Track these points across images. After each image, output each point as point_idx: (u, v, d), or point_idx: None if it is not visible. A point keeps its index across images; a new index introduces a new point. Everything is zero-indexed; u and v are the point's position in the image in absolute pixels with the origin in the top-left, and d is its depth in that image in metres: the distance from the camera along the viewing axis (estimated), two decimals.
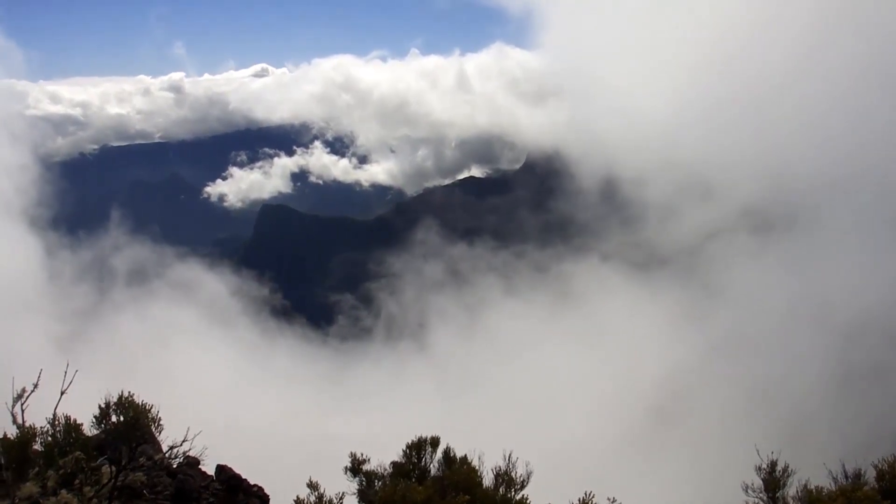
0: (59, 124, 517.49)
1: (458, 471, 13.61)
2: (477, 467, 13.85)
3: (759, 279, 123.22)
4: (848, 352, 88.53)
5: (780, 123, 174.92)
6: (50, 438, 10.80)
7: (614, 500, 12.94)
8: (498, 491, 13.51)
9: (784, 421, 79.55)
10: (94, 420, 11.04)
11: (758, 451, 12.57)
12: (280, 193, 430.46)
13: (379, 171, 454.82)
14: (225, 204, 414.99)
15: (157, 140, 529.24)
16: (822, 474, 12.26)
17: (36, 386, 11.01)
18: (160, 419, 11.22)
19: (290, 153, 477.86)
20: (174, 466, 12.97)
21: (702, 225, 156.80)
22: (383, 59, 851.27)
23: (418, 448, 14.48)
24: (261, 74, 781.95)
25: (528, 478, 13.51)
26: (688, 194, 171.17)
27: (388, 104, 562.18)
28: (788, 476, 12.41)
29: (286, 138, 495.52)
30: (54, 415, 10.94)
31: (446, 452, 14.36)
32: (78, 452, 10.70)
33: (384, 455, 14.51)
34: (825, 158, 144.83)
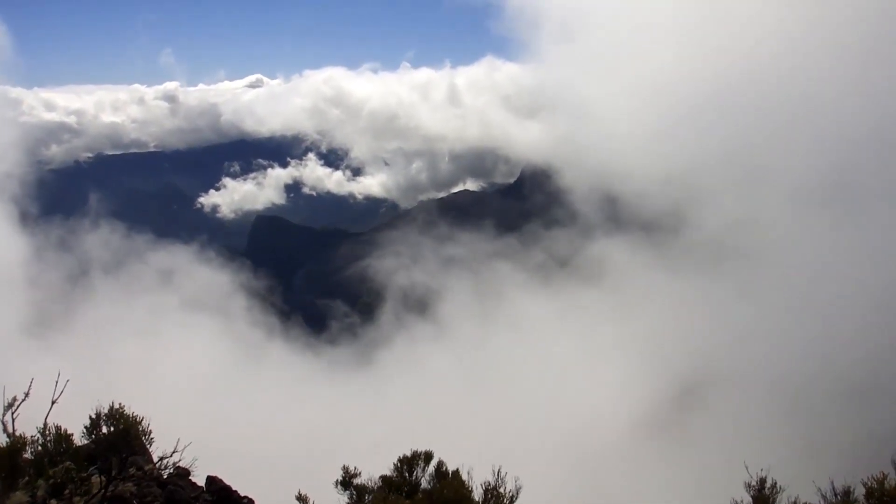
0: (54, 132, 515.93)
1: (448, 485, 13.60)
2: (467, 482, 13.84)
3: (795, 262, 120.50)
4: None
5: (798, 111, 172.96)
6: (40, 448, 10.78)
7: None
8: None
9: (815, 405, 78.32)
10: (84, 430, 11.04)
11: (747, 467, 12.59)
12: (274, 205, 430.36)
13: (373, 184, 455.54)
14: (218, 215, 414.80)
15: (151, 149, 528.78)
16: (812, 491, 12.26)
17: (27, 395, 11.00)
18: (151, 431, 11.22)
19: (284, 165, 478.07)
20: (164, 477, 12.94)
21: (722, 216, 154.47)
22: (374, 72, 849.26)
23: (410, 462, 14.47)
24: (255, 85, 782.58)
25: (518, 493, 13.52)
26: (701, 191, 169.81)
27: (381, 117, 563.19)
28: (777, 493, 12.43)
29: (280, 150, 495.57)
30: (45, 424, 10.93)
31: (438, 467, 14.35)
32: (68, 462, 10.69)
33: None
34: (859, 134, 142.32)
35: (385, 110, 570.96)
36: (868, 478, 11.50)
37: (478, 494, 13.57)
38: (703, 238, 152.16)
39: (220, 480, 14.19)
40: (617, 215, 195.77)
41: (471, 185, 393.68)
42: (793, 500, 12.24)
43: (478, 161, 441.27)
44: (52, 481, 10.67)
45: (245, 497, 14.25)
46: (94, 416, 10.92)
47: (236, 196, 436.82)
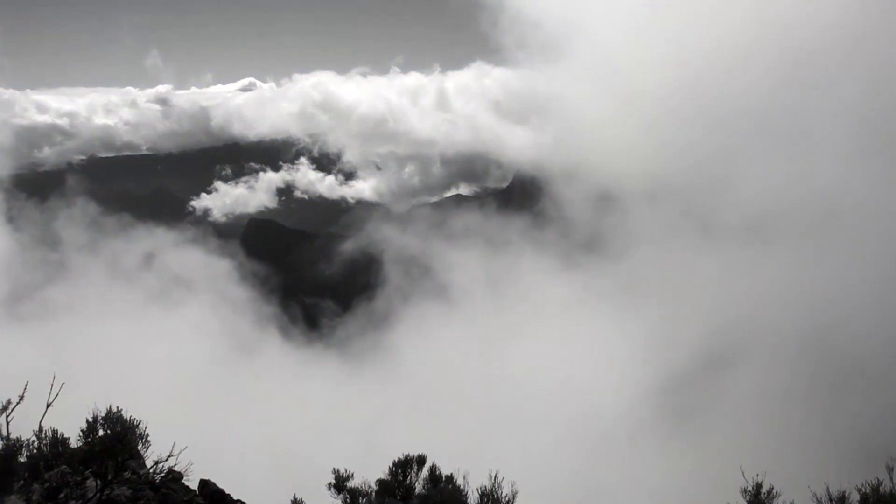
0: (46, 134, 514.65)
1: (443, 490, 13.61)
2: (462, 486, 13.84)
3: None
4: None
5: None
6: (36, 451, 10.75)
7: None
8: None
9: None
10: (81, 433, 11.02)
11: (743, 472, 12.60)
12: (266, 208, 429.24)
13: (365, 188, 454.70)
14: (210, 218, 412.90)
15: (144, 152, 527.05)
16: (807, 497, 12.28)
17: (21, 398, 10.97)
18: (148, 434, 11.20)
19: (276, 168, 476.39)
20: (158, 481, 12.91)
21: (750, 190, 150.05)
22: (364, 76, 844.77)
23: (404, 466, 14.47)
24: (248, 88, 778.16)
25: (514, 497, 13.52)
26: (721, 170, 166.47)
27: (371, 121, 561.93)
28: (773, 498, 12.46)
29: (271, 153, 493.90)
30: (40, 427, 10.91)
31: (432, 471, 14.35)
32: (63, 466, 10.67)
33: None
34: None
35: (375, 114, 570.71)
36: (862, 483, 11.57)
37: (473, 499, 13.58)
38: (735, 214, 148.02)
39: (213, 484, 14.17)
40: (621, 206, 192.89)
41: (463, 189, 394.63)
42: None
43: (469, 166, 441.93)
44: (47, 485, 10.65)
45: (238, 501, 14.24)
46: (90, 420, 10.91)
47: (228, 200, 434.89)
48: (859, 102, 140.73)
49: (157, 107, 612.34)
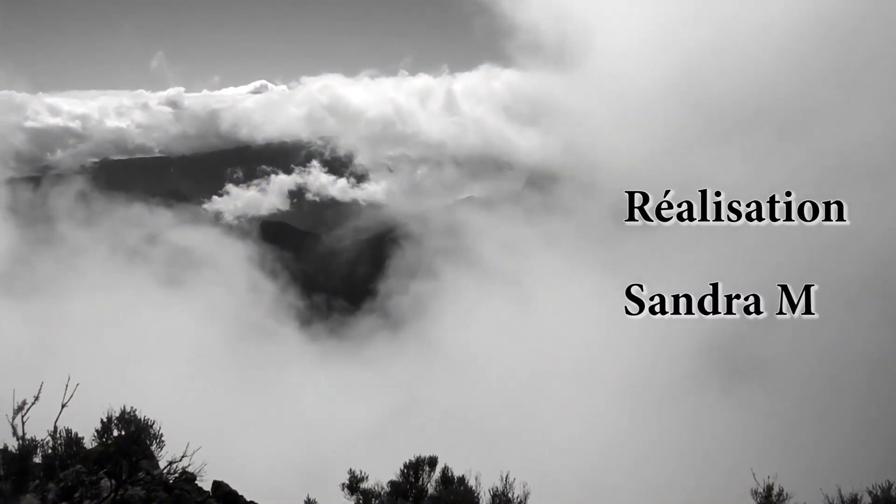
0: (59, 136, 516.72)
1: (455, 491, 13.71)
2: (474, 487, 13.93)
3: None
4: None
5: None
6: (51, 451, 10.87)
7: None
8: None
9: None
10: (95, 433, 11.13)
11: (754, 474, 12.57)
12: (278, 210, 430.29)
13: (377, 191, 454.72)
14: (222, 222, 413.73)
15: (156, 154, 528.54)
16: (819, 498, 12.22)
17: (37, 398, 11.07)
18: (162, 434, 11.29)
19: (288, 171, 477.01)
20: (171, 482, 13.00)
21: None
22: (372, 78, 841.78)
23: (416, 468, 14.57)
24: (259, 90, 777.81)
25: (525, 499, 13.59)
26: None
27: (381, 123, 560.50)
28: (784, 500, 12.42)
29: (283, 156, 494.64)
30: (55, 427, 11.02)
31: (444, 472, 14.45)
32: (78, 466, 10.78)
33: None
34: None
35: (384, 117, 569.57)
36: (873, 485, 11.51)
37: (485, 500, 13.68)
38: None
39: (227, 485, 14.25)
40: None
41: (477, 191, 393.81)
42: None
43: (481, 168, 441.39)
44: (62, 485, 10.76)
45: (251, 502, 14.33)
46: (105, 420, 11.02)
47: (240, 202, 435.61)
48: None
49: (169, 109, 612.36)
